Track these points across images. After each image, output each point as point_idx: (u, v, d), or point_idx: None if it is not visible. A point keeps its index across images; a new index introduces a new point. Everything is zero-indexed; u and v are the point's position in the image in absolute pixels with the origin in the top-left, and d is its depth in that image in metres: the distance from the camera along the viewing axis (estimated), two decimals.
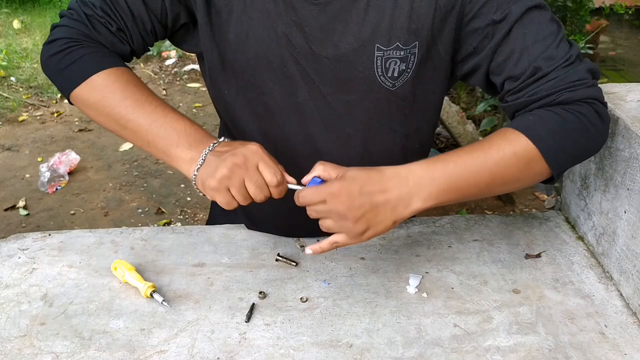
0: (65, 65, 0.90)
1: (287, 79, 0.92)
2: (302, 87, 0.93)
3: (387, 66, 0.90)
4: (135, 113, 0.88)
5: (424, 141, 1.08)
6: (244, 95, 0.97)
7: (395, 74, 0.90)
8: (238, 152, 0.83)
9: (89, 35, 0.92)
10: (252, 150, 0.83)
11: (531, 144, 0.82)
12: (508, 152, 0.82)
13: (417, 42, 0.89)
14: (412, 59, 0.90)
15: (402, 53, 0.89)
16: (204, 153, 0.85)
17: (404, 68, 0.90)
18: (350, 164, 0.86)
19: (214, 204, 1.28)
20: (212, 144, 0.86)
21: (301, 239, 1.09)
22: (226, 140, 0.88)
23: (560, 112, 0.83)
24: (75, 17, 0.92)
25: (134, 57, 1.01)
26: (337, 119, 0.96)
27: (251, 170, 0.82)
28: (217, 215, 1.25)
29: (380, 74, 0.90)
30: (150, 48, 1.02)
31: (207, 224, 1.24)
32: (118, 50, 0.94)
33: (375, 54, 0.89)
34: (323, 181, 0.83)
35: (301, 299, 0.94)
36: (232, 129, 1.05)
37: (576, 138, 0.84)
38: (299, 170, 0.89)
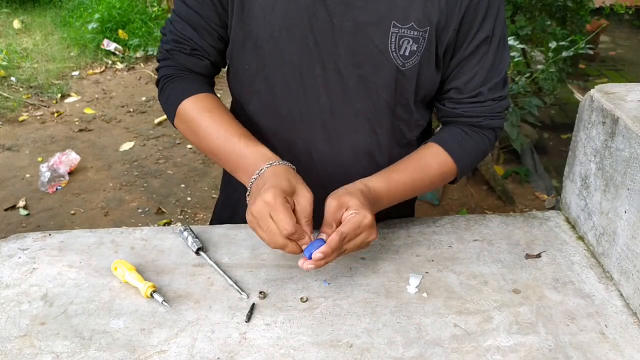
0: (164, 103, 1.07)
1: (307, 52, 0.96)
2: (319, 60, 0.97)
3: (401, 44, 0.94)
4: (206, 139, 1.00)
5: (420, 139, 1.11)
6: (263, 70, 1.00)
7: (407, 53, 0.95)
8: (254, 204, 0.85)
9: (175, 66, 1.05)
10: (265, 201, 0.84)
11: (455, 166, 1.04)
12: (438, 172, 1.04)
13: (428, 28, 0.94)
14: (422, 43, 0.95)
15: (415, 33, 0.94)
16: (250, 182, 0.92)
17: (415, 49, 0.95)
18: (357, 144, 1.04)
19: (217, 203, 1.29)
20: (256, 173, 0.90)
21: None
22: (274, 164, 0.91)
23: (477, 138, 1.06)
24: (162, 56, 1.07)
25: (223, 67, 1.10)
26: (348, 93, 0.99)
27: (263, 222, 0.85)
28: (219, 210, 1.26)
29: (393, 50, 0.95)
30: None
31: (210, 223, 1.25)
32: (201, 68, 1.06)
33: (391, 30, 0.93)
34: (322, 241, 0.87)
35: (301, 298, 0.94)
36: (243, 110, 1.08)
37: (479, 157, 1.10)
38: (306, 147, 1.04)
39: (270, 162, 0.91)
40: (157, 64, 1.10)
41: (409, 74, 0.98)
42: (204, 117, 1.00)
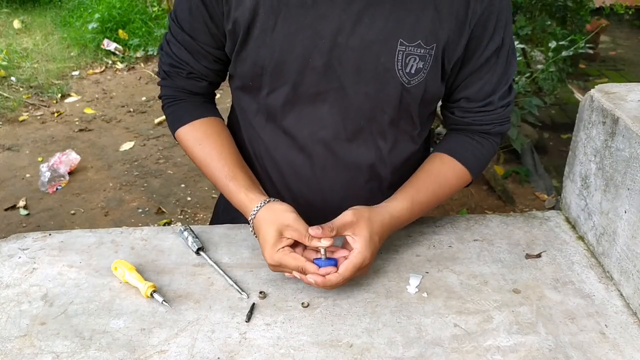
0: (167, 121, 1.11)
1: (310, 70, 0.95)
2: (324, 79, 0.96)
3: (407, 62, 0.94)
4: (202, 170, 1.06)
5: (425, 147, 1.12)
6: (265, 89, 0.99)
7: (413, 71, 0.94)
8: (268, 264, 0.94)
9: (175, 87, 1.07)
10: (272, 262, 0.92)
11: (469, 176, 1.07)
12: (456, 184, 1.07)
13: (435, 45, 0.93)
14: (429, 60, 0.94)
15: (422, 51, 0.93)
16: (250, 228, 0.98)
17: (421, 67, 0.94)
18: (360, 158, 1.03)
19: (217, 203, 1.29)
20: (251, 219, 0.96)
21: None
22: (252, 216, 0.96)
23: (487, 144, 1.08)
24: (162, 75, 1.08)
25: (220, 82, 1.12)
26: (352, 110, 0.99)
27: (282, 270, 0.94)
28: (221, 214, 1.26)
29: (399, 68, 0.94)
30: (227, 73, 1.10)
31: (210, 223, 1.25)
32: (199, 89, 1.08)
33: (398, 48, 0.93)
34: (331, 259, 0.93)
35: (302, 304, 0.94)
36: (247, 122, 1.08)
37: (489, 161, 1.12)
38: (308, 162, 1.03)
39: (252, 213, 0.96)
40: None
41: (414, 91, 0.97)
42: (196, 149, 1.05)
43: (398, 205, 0.99)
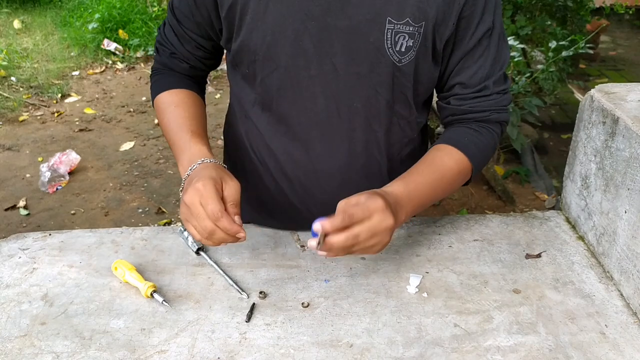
0: (150, 88, 1.15)
1: (301, 53, 0.96)
2: (315, 61, 0.96)
3: (397, 40, 0.94)
4: (166, 130, 1.06)
5: (422, 138, 1.11)
6: (259, 75, 1.01)
7: (403, 49, 0.95)
8: (187, 194, 0.88)
9: (161, 62, 1.13)
10: (195, 189, 0.87)
11: (470, 165, 1.03)
12: (455, 170, 1.02)
13: (424, 22, 0.94)
14: (418, 38, 0.95)
15: (411, 29, 0.94)
16: (183, 178, 0.95)
17: (411, 44, 0.95)
18: (355, 141, 1.03)
19: None
20: (189, 169, 0.94)
21: (301, 239, 1.09)
22: (205, 161, 0.95)
23: (486, 133, 1.05)
24: (154, 51, 1.15)
25: (208, 70, 1.16)
26: (346, 92, 0.99)
27: (194, 209, 0.87)
28: None
29: (389, 46, 0.94)
30: (212, 61, 1.14)
31: None
32: (181, 69, 1.12)
33: (387, 27, 0.93)
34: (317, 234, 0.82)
35: (302, 304, 0.94)
36: (244, 115, 1.09)
37: (490, 153, 1.08)
38: (303, 147, 1.04)
39: (203, 159, 0.95)
40: (152, 62, 1.14)
41: (406, 70, 0.97)
42: (170, 110, 1.07)
43: (390, 185, 0.93)
